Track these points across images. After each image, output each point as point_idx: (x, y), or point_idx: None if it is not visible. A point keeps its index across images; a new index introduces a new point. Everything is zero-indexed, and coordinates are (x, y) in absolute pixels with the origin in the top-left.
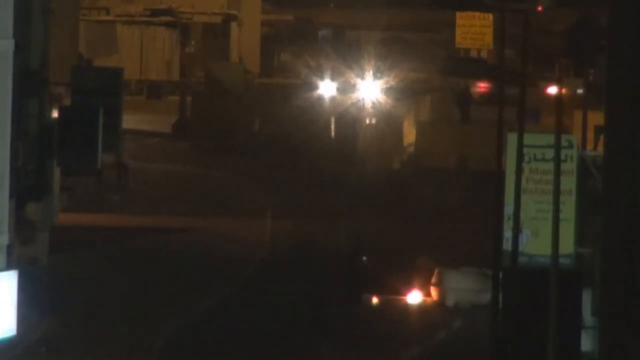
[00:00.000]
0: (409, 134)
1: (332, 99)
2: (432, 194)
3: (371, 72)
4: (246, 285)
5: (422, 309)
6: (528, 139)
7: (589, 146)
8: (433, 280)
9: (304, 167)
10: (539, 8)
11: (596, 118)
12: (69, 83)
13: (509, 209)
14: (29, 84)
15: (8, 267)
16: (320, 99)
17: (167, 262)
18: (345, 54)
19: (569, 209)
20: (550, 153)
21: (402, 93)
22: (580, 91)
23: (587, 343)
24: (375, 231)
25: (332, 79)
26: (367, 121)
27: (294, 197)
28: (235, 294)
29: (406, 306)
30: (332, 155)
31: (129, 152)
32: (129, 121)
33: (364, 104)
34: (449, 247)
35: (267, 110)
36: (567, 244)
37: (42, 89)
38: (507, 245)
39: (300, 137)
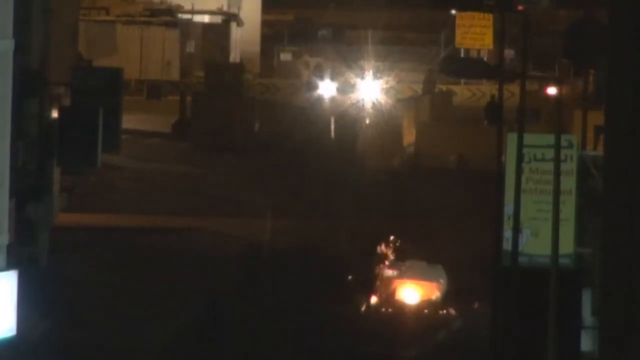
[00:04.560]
0: (409, 134)
1: (332, 99)
2: (432, 194)
3: (371, 72)
4: (245, 285)
5: (419, 308)
6: (528, 139)
7: (589, 146)
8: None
9: (304, 167)
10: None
11: (596, 118)
12: (69, 83)
13: (509, 209)
14: (29, 84)
15: (8, 267)
16: (320, 99)
17: (167, 262)
18: (345, 54)
19: (569, 209)
20: (550, 153)
21: (403, 93)
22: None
23: (587, 343)
24: (373, 231)
25: (332, 79)
26: (367, 121)
27: (294, 197)
28: (234, 295)
29: (404, 306)
30: (332, 155)
31: (129, 153)
32: (129, 121)
33: (364, 104)
34: (448, 247)
35: (267, 110)
36: (567, 244)
37: (42, 89)
38: (507, 245)
39: (300, 137)
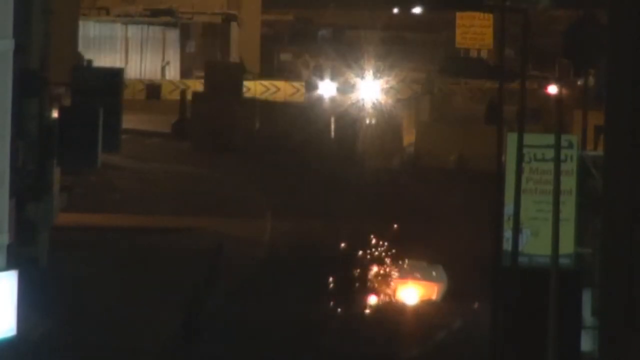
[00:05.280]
0: (409, 134)
1: (332, 99)
2: (432, 194)
3: (371, 72)
4: (245, 285)
5: (419, 308)
6: (528, 139)
7: (589, 146)
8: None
9: (304, 167)
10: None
11: (596, 118)
12: (69, 83)
13: (509, 209)
14: (29, 84)
15: (8, 267)
16: (320, 99)
17: (167, 262)
18: (345, 54)
19: (569, 209)
20: (550, 153)
21: (403, 93)
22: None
23: (587, 343)
24: (373, 231)
25: (332, 79)
26: (367, 121)
27: (294, 197)
28: (234, 295)
29: (404, 306)
30: (332, 156)
31: (129, 153)
32: (129, 121)
33: (364, 104)
34: (448, 247)
35: (267, 110)
36: (567, 244)
37: (42, 89)
38: (507, 245)
39: (300, 137)
